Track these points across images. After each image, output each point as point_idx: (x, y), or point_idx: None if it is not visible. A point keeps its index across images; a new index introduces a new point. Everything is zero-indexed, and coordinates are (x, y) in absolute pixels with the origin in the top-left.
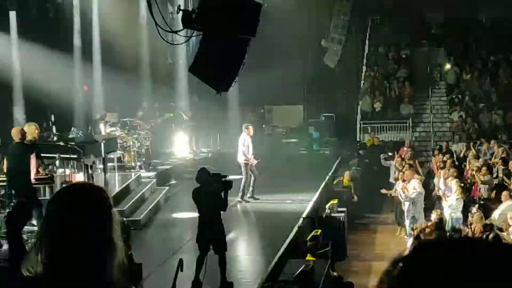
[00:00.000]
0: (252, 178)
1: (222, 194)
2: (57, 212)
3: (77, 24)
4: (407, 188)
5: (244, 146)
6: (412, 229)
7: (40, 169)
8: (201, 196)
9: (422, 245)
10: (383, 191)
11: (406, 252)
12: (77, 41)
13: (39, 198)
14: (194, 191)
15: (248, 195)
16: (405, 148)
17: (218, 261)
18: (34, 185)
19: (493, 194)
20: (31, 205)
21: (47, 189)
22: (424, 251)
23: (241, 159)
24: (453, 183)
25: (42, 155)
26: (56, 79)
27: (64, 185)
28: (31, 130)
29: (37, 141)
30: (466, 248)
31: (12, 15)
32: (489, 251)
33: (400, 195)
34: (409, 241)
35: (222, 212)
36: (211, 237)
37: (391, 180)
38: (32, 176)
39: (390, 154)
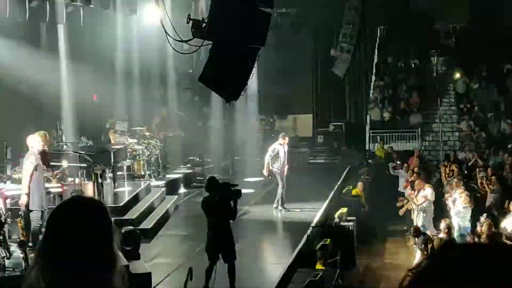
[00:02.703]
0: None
1: (232, 203)
2: (56, 228)
3: (88, 33)
4: (417, 197)
5: (274, 153)
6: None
7: (49, 178)
8: (210, 205)
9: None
10: (399, 204)
11: (414, 265)
12: (87, 50)
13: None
14: (203, 200)
15: (275, 204)
16: (415, 158)
17: (227, 270)
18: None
19: (506, 204)
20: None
21: (56, 198)
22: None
23: (274, 167)
24: (458, 193)
25: (52, 164)
26: (65, 87)
27: (64, 200)
28: (42, 138)
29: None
30: (470, 256)
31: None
32: (490, 255)
33: (411, 205)
34: (418, 251)
35: (231, 221)
36: (220, 246)
37: (400, 189)
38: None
39: (398, 163)
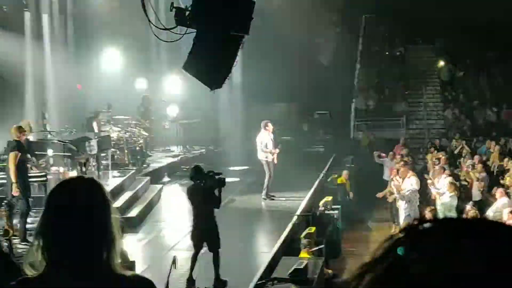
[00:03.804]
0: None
1: (216, 191)
2: (55, 207)
3: (71, 22)
4: (401, 186)
5: (263, 144)
6: None
7: (33, 167)
8: (195, 193)
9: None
10: (379, 195)
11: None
12: (70, 38)
13: (32, 195)
14: (188, 189)
15: (263, 196)
16: (400, 146)
17: (212, 258)
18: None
19: (495, 192)
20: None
21: (40, 187)
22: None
23: (261, 156)
24: (446, 181)
25: (36, 153)
26: (50, 76)
27: (62, 180)
28: (26, 128)
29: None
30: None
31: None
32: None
33: (395, 193)
34: None
35: (216, 209)
36: (205, 234)
37: (385, 177)
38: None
39: (383, 155)
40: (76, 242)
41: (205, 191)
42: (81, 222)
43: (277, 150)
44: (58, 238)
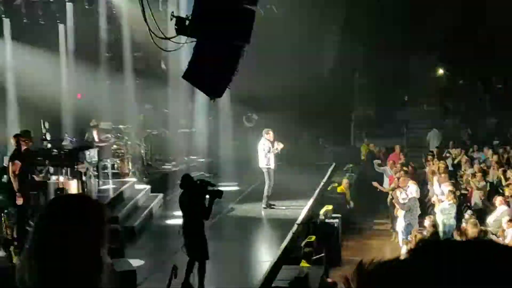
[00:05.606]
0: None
1: (207, 202)
2: (47, 224)
3: (71, 29)
4: (401, 195)
5: (265, 151)
6: (408, 236)
7: (33, 176)
8: (183, 202)
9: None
10: (375, 184)
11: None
12: (70, 47)
13: (31, 205)
14: (179, 197)
15: (263, 205)
16: (395, 154)
17: (197, 267)
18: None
19: (494, 200)
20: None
21: (40, 196)
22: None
23: (262, 164)
24: (446, 189)
25: (36, 162)
26: (50, 85)
27: (58, 195)
28: (26, 137)
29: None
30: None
31: (6, 21)
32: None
33: (397, 202)
34: (404, 248)
35: (204, 220)
36: (191, 243)
37: (385, 186)
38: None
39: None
40: (61, 263)
41: (192, 200)
42: (70, 242)
43: (281, 145)
44: (44, 256)
